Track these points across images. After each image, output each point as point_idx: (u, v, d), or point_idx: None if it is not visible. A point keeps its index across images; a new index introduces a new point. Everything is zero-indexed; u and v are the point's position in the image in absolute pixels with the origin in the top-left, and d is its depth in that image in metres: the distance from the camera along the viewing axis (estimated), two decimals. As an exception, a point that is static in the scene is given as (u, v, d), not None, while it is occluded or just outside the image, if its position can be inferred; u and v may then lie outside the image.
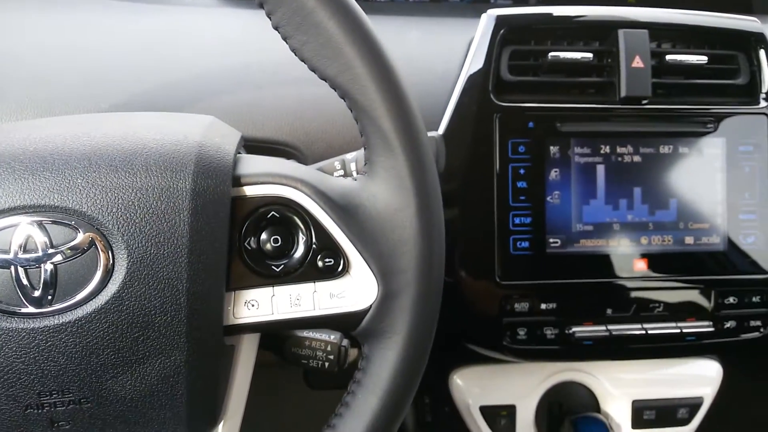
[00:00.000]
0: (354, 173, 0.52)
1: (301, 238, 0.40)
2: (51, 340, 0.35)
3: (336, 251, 0.40)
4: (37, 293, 0.35)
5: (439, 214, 0.42)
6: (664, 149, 0.71)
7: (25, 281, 0.35)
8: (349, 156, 0.54)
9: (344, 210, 0.40)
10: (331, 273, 0.40)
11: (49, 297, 0.35)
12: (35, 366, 0.35)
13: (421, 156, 0.40)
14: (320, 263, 0.40)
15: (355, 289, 0.41)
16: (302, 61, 0.40)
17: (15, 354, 0.35)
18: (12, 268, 0.34)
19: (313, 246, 0.40)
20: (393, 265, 0.40)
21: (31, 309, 0.35)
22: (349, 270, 0.40)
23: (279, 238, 0.40)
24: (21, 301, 0.35)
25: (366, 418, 0.41)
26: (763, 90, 0.73)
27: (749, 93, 0.74)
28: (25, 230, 0.35)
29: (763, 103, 0.73)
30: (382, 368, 0.41)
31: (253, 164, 0.41)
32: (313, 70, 0.40)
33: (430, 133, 0.56)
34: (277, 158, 0.44)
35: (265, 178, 0.40)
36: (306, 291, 0.40)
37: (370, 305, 0.41)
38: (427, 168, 0.40)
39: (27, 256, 0.35)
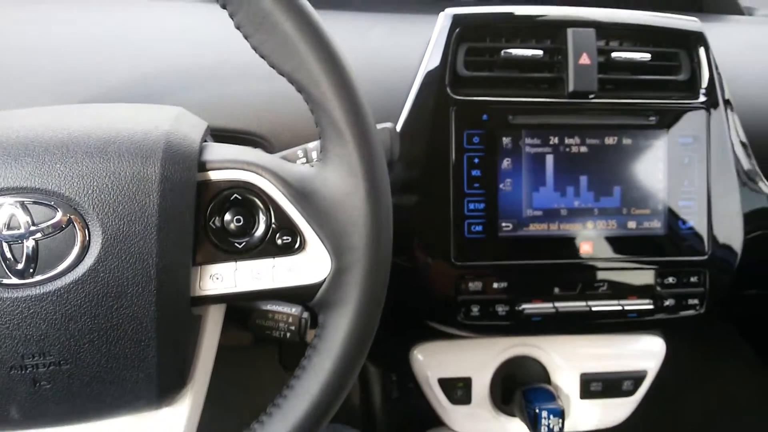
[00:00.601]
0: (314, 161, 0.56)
1: (262, 219, 0.44)
2: (33, 307, 0.39)
3: (293, 230, 0.44)
4: (20, 266, 0.38)
5: (386, 198, 0.46)
6: (609, 140, 0.76)
7: (9, 255, 0.38)
8: (310, 145, 0.58)
9: (301, 193, 0.44)
10: (289, 250, 0.45)
11: (31, 270, 0.39)
12: (19, 331, 0.39)
13: (369, 145, 0.44)
14: (279, 241, 0.44)
15: (311, 264, 0.45)
16: (262, 57, 0.44)
17: (0, 320, 0.39)
18: None
19: (273, 225, 0.44)
20: (344, 243, 0.44)
21: (14, 280, 0.39)
22: (305, 247, 0.45)
23: (241, 218, 0.44)
24: (5, 273, 0.38)
25: (321, 379, 0.45)
26: (703, 85, 0.78)
27: (690, 88, 0.79)
28: (8, 210, 0.38)
29: (702, 98, 0.78)
30: (335, 335, 0.45)
31: (217, 151, 0.45)
32: (272, 66, 0.44)
33: (384, 125, 0.60)
34: (240, 146, 0.48)
35: (229, 164, 0.44)
36: (266, 266, 0.44)
37: (324, 279, 0.45)
38: (375, 156, 0.45)
39: (11, 232, 0.38)
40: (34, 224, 0.38)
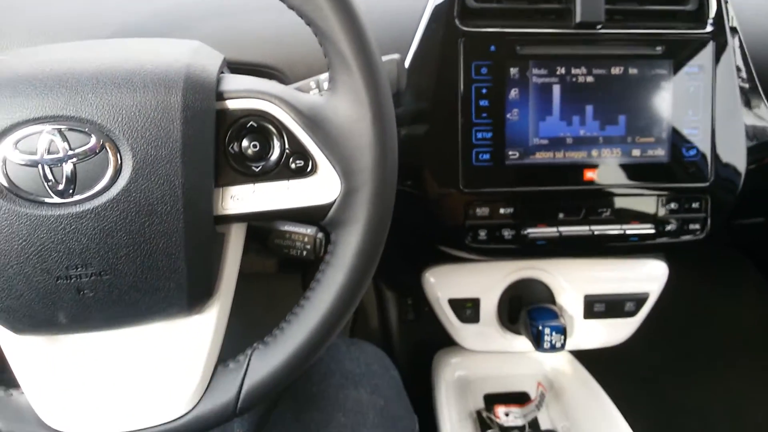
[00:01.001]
0: None
1: (276, 144, 0.48)
2: (74, 224, 0.43)
3: (305, 155, 0.48)
4: (61, 186, 0.43)
5: (391, 124, 0.49)
6: (616, 70, 0.77)
7: (50, 177, 0.43)
8: (322, 76, 0.61)
9: (312, 121, 0.48)
10: (302, 173, 0.48)
11: (71, 190, 0.43)
12: (63, 245, 0.43)
13: (374, 75, 0.47)
14: (293, 165, 0.48)
15: (322, 186, 0.49)
16: None
17: (46, 235, 0.43)
18: (39, 167, 0.42)
19: (286, 151, 0.48)
20: (353, 166, 0.48)
21: (56, 199, 0.43)
22: (317, 170, 0.48)
23: (257, 144, 0.47)
24: (48, 193, 0.43)
25: (333, 290, 0.50)
26: (710, 15, 0.79)
27: (697, 18, 0.79)
28: (47, 136, 0.42)
29: (709, 28, 0.79)
30: (346, 250, 0.50)
31: (234, 82, 0.48)
32: (282, 1, 0.47)
33: (391, 56, 0.63)
34: (255, 77, 0.51)
35: (244, 94, 0.47)
36: (281, 187, 0.48)
37: (335, 199, 0.49)
38: (380, 85, 0.48)
39: (51, 157, 0.42)
40: (71, 149, 0.42)
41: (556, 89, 0.77)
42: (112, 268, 0.45)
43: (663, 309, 0.96)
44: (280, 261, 1.48)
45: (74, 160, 0.43)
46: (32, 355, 0.49)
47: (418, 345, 1.24)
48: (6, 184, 0.42)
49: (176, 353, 0.51)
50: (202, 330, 0.51)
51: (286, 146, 0.48)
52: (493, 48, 0.75)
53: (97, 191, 0.43)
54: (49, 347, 0.49)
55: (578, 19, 0.75)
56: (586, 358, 1.08)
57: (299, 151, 0.48)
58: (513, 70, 0.76)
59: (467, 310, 0.93)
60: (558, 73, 0.77)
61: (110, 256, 0.44)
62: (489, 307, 0.94)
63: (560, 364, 1.08)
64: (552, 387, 1.06)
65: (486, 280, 0.93)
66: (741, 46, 0.81)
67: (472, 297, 0.94)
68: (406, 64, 0.76)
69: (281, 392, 0.77)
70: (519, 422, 0.97)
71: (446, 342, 1.04)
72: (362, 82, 0.47)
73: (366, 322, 1.46)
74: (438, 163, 0.77)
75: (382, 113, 0.48)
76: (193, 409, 0.51)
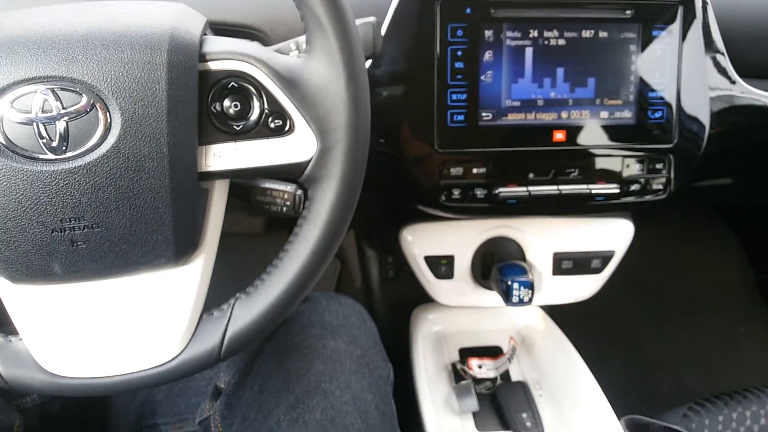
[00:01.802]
0: None
1: (256, 104, 0.50)
2: (67, 179, 0.46)
3: (283, 114, 0.50)
4: (54, 143, 0.45)
5: (364, 85, 0.52)
6: (586, 33, 0.80)
7: (45, 135, 0.45)
8: (301, 38, 0.63)
9: (289, 82, 0.50)
10: (280, 132, 0.51)
11: (64, 147, 0.45)
12: (57, 199, 0.46)
13: (348, 38, 0.50)
14: (271, 124, 0.51)
15: (299, 145, 0.51)
16: None
17: (41, 190, 0.46)
18: (34, 124, 0.45)
19: (266, 110, 0.50)
20: (328, 125, 0.51)
21: (50, 156, 0.45)
22: (294, 129, 0.51)
23: (238, 103, 0.50)
24: (42, 150, 0.45)
25: (311, 242, 0.53)
26: (680, -20, 0.82)
27: None
28: (41, 96, 0.44)
29: (677, -8, 0.82)
30: (322, 205, 0.53)
31: (216, 44, 0.50)
32: None
33: (367, 19, 0.65)
34: (236, 39, 0.53)
35: (226, 55, 0.49)
36: (261, 145, 0.51)
37: (312, 157, 0.51)
38: (353, 48, 0.50)
39: (45, 115, 0.45)
40: (63, 108, 0.45)
41: (529, 52, 0.79)
42: (103, 221, 0.47)
43: (635, 267, 1.01)
44: (266, 221, 1.52)
45: (66, 118, 0.45)
46: (29, 303, 0.52)
47: (398, 302, 1.29)
48: (3, 141, 0.44)
49: (164, 302, 0.54)
50: (188, 280, 0.54)
51: (266, 106, 0.50)
52: (468, 10, 0.77)
53: (89, 148, 0.45)
54: (45, 296, 0.52)
55: (551, -17, 0.77)
56: (559, 314, 1.13)
57: (277, 110, 0.50)
58: (488, 33, 0.78)
59: (442, 266, 0.98)
60: (531, 35, 0.79)
61: (101, 210, 0.47)
62: (463, 264, 0.98)
63: (532, 319, 1.13)
64: (523, 341, 1.11)
65: (460, 238, 0.97)
66: (706, 12, 0.83)
67: (447, 254, 0.98)
68: (385, 26, 0.78)
69: (264, 342, 0.80)
70: (491, 374, 1.02)
71: (425, 299, 1.09)
72: (336, 45, 0.49)
73: (350, 280, 1.50)
74: (414, 123, 0.80)
75: (356, 75, 0.51)
76: (179, 354, 0.54)
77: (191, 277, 0.54)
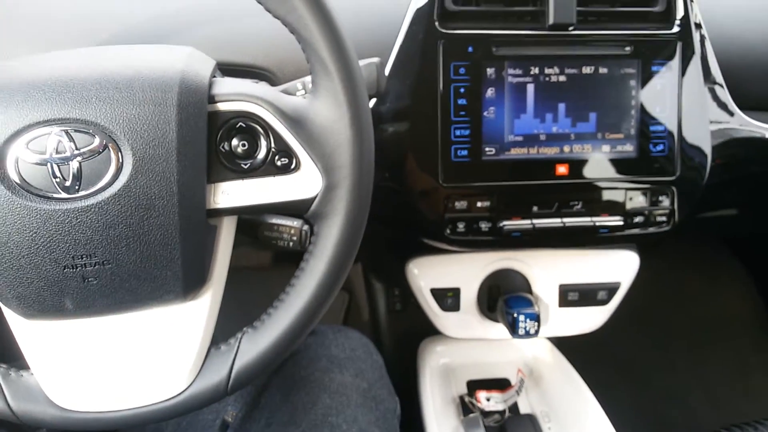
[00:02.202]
0: None
1: (263, 143, 0.52)
2: (80, 217, 0.47)
3: (289, 153, 0.52)
4: (67, 183, 0.47)
5: (368, 124, 0.53)
6: (587, 70, 0.82)
7: (58, 174, 0.46)
8: (307, 78, 0.65)
9: (295, 121, 0.52)
10: (287, 169, 0.52)
11: (77, 186, 0.47)
12: (69, 236, 0.47)
13: (352, 79, 0.51)
14: (278, 162, 0.52)
15: (305, 182, 0.53)
16: (259, 3, 0.51)
17: (54, 228, 0.47)
18: (48, 165, 0.46)
19: (272, 149, 0.52)
20: (333, 163, 0.52)
21: (63, 195, 0.47)
22: (300, 167, 0.52)
23: (246, 143, 0.51)
24: (56, 189, 0.47)
25: (316, 277, 0.54)
26: (677, 16, 0.83)
27: (665, 19, 0.83)
28: (55, 137, 0.46)
29: (676, 29, 0.83)
30: (327, 241, 0.54)
31: (224, 86, 0.52)
32: (268, 11, 0.51)
33: (371, 60, 0.67)
34: (245, 80, 0.55)
35: (234, 97, 0.51)
36: (268, 183, 0.52)
37: (317, 194, 0.53)
38: (357, 88, 0.52)
39: (59, 156, 0.46)
40: (77, 149, 0.46)
41: (530, 88, 0.81)
42: (114, 258, 0.49)
43: (642, 298, 1.01)
44: (274, 255, 1.53)
45: (80, 158, 0.47)
46: (41, 339, 0.53)
47: (406, 334, 1.29)
48: (18, 181, 0.46)
49: (172, 337, 0.55)
50: (196, 315, 0.55)
51: (272, 145, 0.52)
52: (470, 49, 0.79)
53: (101, 187, 0.47)
54: (57, 331, 0.53)
55: (551, 21, 0.79)
56: (567, 346, 1.13)
57: (284, 149, 0.52)
58: (490, 70, 0.80)
59: (448, 299, 0.98)
60: (532, 72, 0.81)
61: (112, 247, 0.48)
62: (469, 296, 0.99)
63: (540, 351, 1.13)
64: (531, 373, 1.11)
65: (466, 271, 0.98)
66: (704, 46, 0.85)
67: (453, 286, 0.98)
68: (389, 64, 0.80)
69: (271, 376, 0.81)
70: (500, 407, 1.02)
71: (432, 331, 1.09)
72: (341, 86, 0.51)
73: (358, 312, 1.51)
74: (419, 158, 0.81)
75: (359, 114, 0.52)
76: (187, 388, 0.55)
77: (199, 312, 0.55)
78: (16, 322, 0.52)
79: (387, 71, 0.80)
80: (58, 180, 0.47)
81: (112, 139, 0.47)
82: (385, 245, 1.24)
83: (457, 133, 0.80)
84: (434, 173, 0.80)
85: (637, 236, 0.87)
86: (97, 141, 0.47)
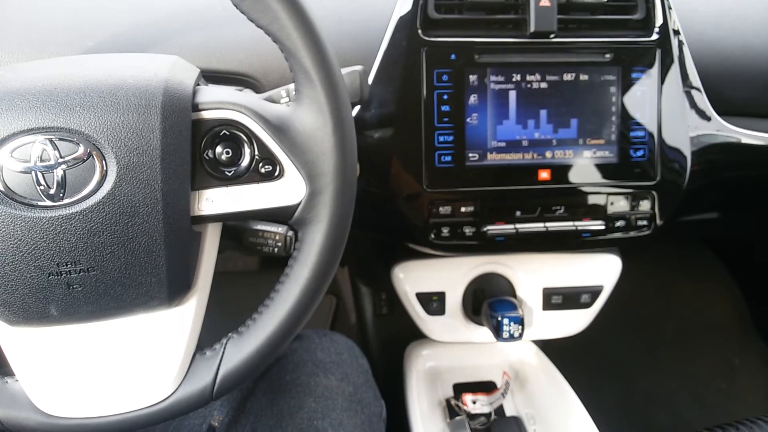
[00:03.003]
0: None
1: (247, 151, 0.52)
2: (64, 225, 0.48)
3: (273, 160, 0.53)
4: (52, 191, 0.47)
5: (351, 131, 0.54)
6: (568, 77, 0.83)
7: (43, 182, 0.47)
8: (291, 86, 0.66)
9: (279, 129, 0.52)
10: (270, 177, 0.53)
11: (61, 194, 0.47)
12: (54, 244, 0.48)
13: (334, 87, 0.52)
14: (262, 170, 0.53)
15: (289, 189, 0.53)
16: (242, 13, 0.52)
17: (39, 235, 0.47)
18: (33, 173, 0.47)
19: (256, 156, 0.52)
20: (316, 170, 0.53)
21: (48, 203, 0.47)
22: (284, 174, 0.53)
23: (230, 150, 0.52)
24: (41, 197, 0.47)
25: (300, 283, 0.55)
26: (657, 24, 0.85)
27: (645, 27, 0.85)
28: (40, 145, 0.47)
29: (655, 36, 0.85)
30: (311, 247, 0.55)
31: (208, 94, 0.52)
32: (251, 21, 0.52)
33: (354, 68, 0.67)
34: (228, 88, 0.56)
35: (217, 105, 0.51)
36: (252, 190, 0.53)
37: (301, 200, 0.54)
38: (339, 96, 0.53)
39: (43, 164, 0.47)
40: (61, 157, 0.47)
41: (512, 95, 0.82)
42: (98, 265, 0.49)
43: (627, 301, 1.03)
44: (261, 260, 1.53)
45: (64, 167, 0.47)
46: (26, 345, 0.53)
47: (392, 338, 1.30)
48: (3, 189, 0.46)
49: (158, 342, 0.55)
50: (181, 321, 0.56)
51: (256, 152, 0.52)
52: (453, 56, 0.80)
53: (85, 195, 0.47)
54: (41, 338, 0.53)
55: (532, 28, 0.80)
56: (552, 349, 1.14)
57: (268, 157, 0.53)
58: (472, 77, 0.81)
59: (433, 303, 0.99)
60: (514, 79, 0.82)
61: (97, 254, 0.49)
62: (454, 300, 1.00)
63: (525, 354, 1.14)
64: (517, 376, 1.12)
65: (451, 275, 0.99)
66: (683, 53, 0.86)
67: (438, 291, 0.99)
68: (373, 72, 0.81)
69: (257, 380, 0.81)
70: (485, 409, 1.02)
71: (418, 335, 1.10)
72: (323, 94, 0.52)
73: (345, 316, 1.51)
74: (403, 164, 0.82)
75: (342, 122, 0.53)
76: (173, 393, 0.55)
77: (184, 317, 0.56)
78: (0, 329, 0.53)
79: (371, 78, 0.81)
80: (42, 188, 0.47)
81: (96, 147, 0.47)
82: (371, 249, 1.25)
83: (441, 139, 0.81)
84: (418, 179, 0.81)
85: (618, 240, 0.89)
86: (81, 149, 0.47)
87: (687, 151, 0.87)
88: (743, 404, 1.53)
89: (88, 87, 0.48)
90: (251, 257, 1.48)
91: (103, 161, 0.48)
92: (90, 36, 0.74)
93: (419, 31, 0.79)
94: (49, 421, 0.54)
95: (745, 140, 0.90)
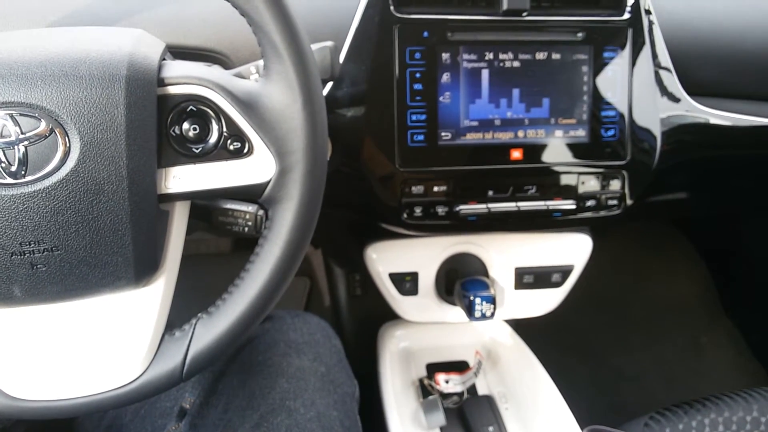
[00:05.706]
0: None
1: (215, 127, 0.51)
2: (27, 203, 0.46)
3: (242, 137, 0.52)
4: (13, 168, 0.46)
5: (321, 108, 0.53)
6: (540, 56, 0.83)
7: (3, 159, 0.45)
8: (261, 62, 0.64)
9: (247, 105, 0.51)
10: (239, 154, 0.52)
11: (23, 171, 0.46)
12: (16, 222, 0.46)
13: (304, 63, 0.51)
14: (230, 147, 0.52)
15: (258, 166, 0.53)
16: None
17: (0, 214, 0.46)
18: None
19: (224, 133, 0.51)
20: (286, 147, 0.52)
21: (9, 180, 0.46)
22: (253, 152, 0.52)
23: (197, 126, 0.51)
24: (2, 174, 0.45)
25: (271, 262, 0.54)
26: (628, 3, 0.85)
27: (617, 6, 0.85)
28: (0, 121, 0.46)
29: (626, 15, 0.85)
30: (281, 225, 0.54)
31: (174, 69, 0.51)
32: None
33: (324, 43, 0.66)
34: (196, 63, 0.55)
35: (184, 80, 0.50)
36: (220, 168, 0.52)
37: (271, 178, 0.53)
38: (309, 72, 0.52)
39: (3, 140, 0.45)
40: (22, 133, 0.45)
41: (485, 73, 0.82)
42: (63, 244, 0.48)
43: (598, 280, 1.04)
44: (234, 241, 1.52)
45: (25, 143, 0.46)
46: None
47: (366, 318, 1.30)
48: None
49: (125, 323, 0.54)
50: (149, 301, 0.55)
51: (224, 129, 0.51)
52: (426, 34, 0.80)
53: (48, 172, 0.46)
54: (5, 319, 0.52)
55: (505, 6, 0.80)
56: (524, 328, 1.16)
57: (236, 133, 0.52)
58: (445, 55, 0.80)
59: (407, 283, 0.99)
60: (487, 58, 0.82)
61: (61, 233, 0.47)
62: (427, 280, 1.00)
63: (497, 334, 1.15)
64: (489, 355, 1.13)
65: (424, 255, 0.99)
66: (653, 32, 0.86)
67: (411, 271, 0.99)
68: (344, 49, 0.80)
69: (228, 362, 0.81)
70: (458, 389, 1.03)
71: (391, 315, 1.10)
72: (293, 70, 0.51)
73: (320, 298, 1.51)
74: (376, 143, 0.81)
75: (312, 98, 0.52)
76: (142, 374, 0.55)
77: (152, 298, 0.55)
78: None
79: (343, 55, 0.80)
80: (3, 165, 0.46)
81: (58, 123, 0.46)
82: (344, 230, 1.24)
83: (413, 118, 0.81)
84: (391, 158, 0.81)
85: (589, 219, 0.89)
86: (43, 125, 0.46)
87: (657, 131, 0.88)
88: (710, 381, 1.57)
89: (50, 61, 0.47)
90: (224, 239, 1.47)
91: (66, 138, 0.46)
92: (53, 10, 0.72)
93: (392, 8, 0.78)
94: (15, 404, 0.53)
95: (713, 120, 0.91)
